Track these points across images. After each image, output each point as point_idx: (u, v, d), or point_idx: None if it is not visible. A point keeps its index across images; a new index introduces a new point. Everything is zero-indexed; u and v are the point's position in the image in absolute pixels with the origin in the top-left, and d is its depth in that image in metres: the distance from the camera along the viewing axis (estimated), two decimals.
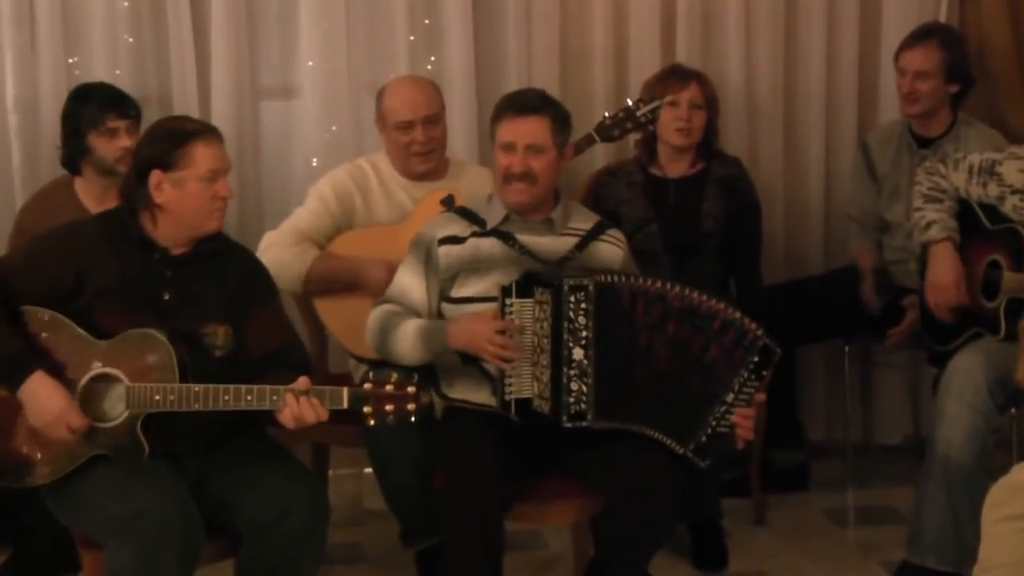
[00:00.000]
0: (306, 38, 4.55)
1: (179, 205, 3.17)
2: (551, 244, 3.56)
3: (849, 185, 4.79)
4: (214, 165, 3.18)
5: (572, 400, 3.31)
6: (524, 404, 3.37)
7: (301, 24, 4.54)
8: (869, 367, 5.01)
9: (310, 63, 4.55)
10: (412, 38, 4.59)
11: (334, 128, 4.57)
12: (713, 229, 4.28)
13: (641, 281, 3.38)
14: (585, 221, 3.65)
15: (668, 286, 3.36)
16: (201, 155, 3.17)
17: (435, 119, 4.05)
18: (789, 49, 4.85)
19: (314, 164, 4.54)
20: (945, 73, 4.42)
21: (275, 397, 3.06)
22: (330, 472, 4.20)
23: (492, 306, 3.40)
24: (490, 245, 3.54)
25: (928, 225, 3.96)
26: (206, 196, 3.18)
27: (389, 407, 3.05)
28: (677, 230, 4.28)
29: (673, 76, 4.34)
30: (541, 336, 3.34)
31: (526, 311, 3.35)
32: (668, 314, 3.35)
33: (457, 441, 3.43)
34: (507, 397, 3.36)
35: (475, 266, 3.53)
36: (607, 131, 4.09)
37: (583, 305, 3.29)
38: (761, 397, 3.41)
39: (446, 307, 3.55)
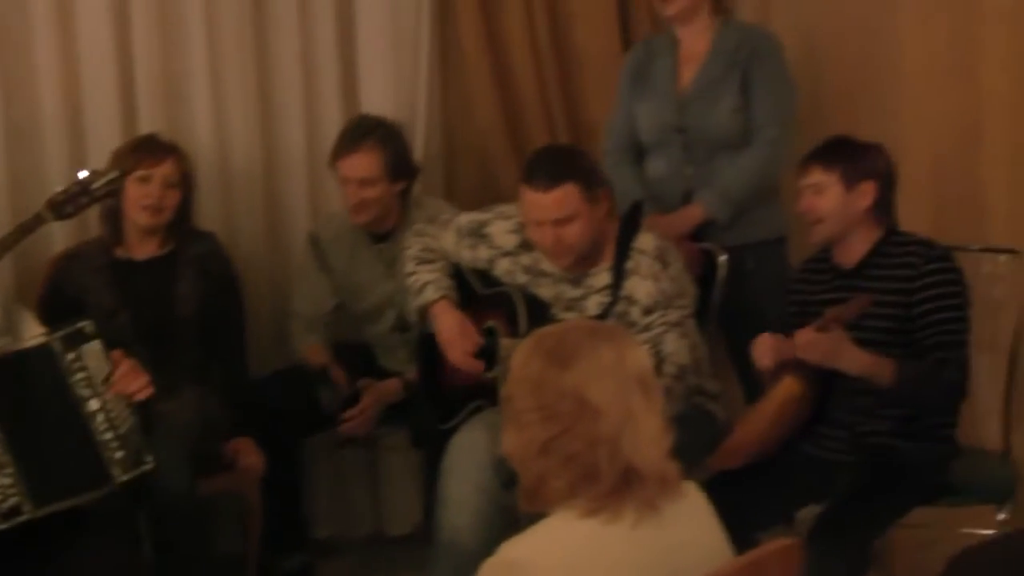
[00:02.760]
0: None
1: None
2: None
3: (296, 280, 4.78)
4: None
5: None
6: None
7: None
8: (375, 452, 5.05)
9: None
10: None
11: None
12: (190, 314, 4.24)
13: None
14: None
15: None
16: None
17: None
18: (266, 115, 4.87)
19: None
20: (390, 175, 4.47)
21: None
22: None
23: None
24: None
25: (423, 287, 4.04)
26: None
27: None
28: (150, 317, 4.22)
29: (145, 149, 4.27)
30: None
31: None
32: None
33: None
34: None
35: None
36: (60, 208, 3.92)
37: None
38: (118, 355, 3.36)
39: None
